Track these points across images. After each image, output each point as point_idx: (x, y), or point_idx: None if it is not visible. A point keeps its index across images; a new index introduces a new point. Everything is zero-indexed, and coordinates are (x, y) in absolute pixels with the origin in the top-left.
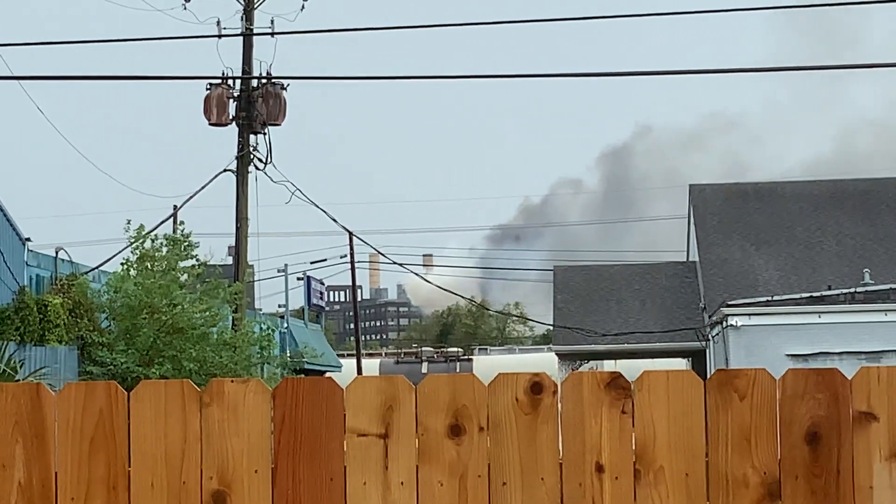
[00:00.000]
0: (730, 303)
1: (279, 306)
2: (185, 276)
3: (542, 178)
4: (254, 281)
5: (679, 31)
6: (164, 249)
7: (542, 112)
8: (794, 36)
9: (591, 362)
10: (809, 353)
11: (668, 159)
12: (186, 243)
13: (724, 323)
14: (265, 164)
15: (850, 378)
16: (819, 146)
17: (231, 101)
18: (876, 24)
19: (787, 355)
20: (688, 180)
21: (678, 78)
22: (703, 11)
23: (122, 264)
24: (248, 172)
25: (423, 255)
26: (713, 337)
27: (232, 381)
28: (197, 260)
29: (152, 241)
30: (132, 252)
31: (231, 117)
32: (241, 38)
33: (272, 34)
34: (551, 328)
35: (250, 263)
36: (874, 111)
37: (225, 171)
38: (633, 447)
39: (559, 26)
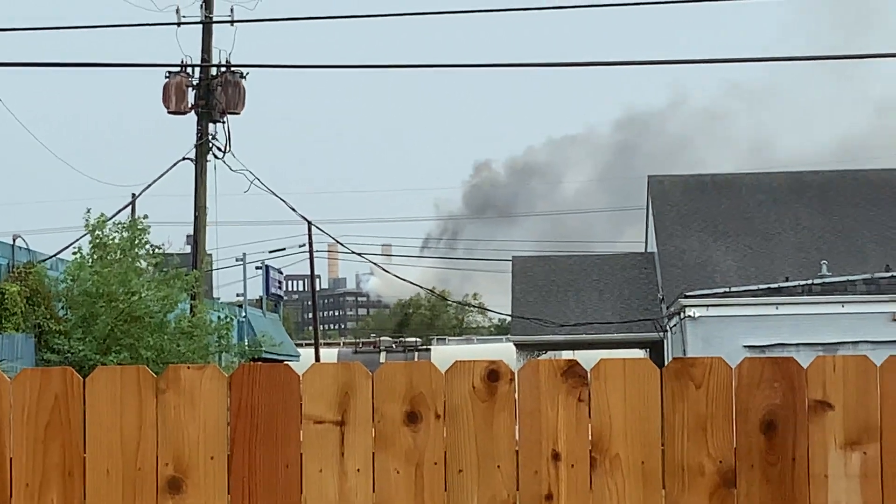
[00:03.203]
0: (687, 294)
1: (237, 295)
2: (144, 263)
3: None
4: (212, 270)
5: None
6: (116, 237)
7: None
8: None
9: (548, 353)
10: (767, 344)
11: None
12: (138, 229)
13: (682, 314)
14: (224, 152)
15: (806, 367)
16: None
17: (190, 89)
18: None
19: (745, 346)
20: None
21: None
22: None
23: (74, 253)
24: (206, 161)
25: (382, 245)
26: (671, 328)
27: (188, 368)
28: (151, 246)
29: (100, 229)
30: (90, 242)
31: (190, 105)
32: (200, 26)
33: (231, 23)
34: (509, 318)
35: (209, 252)
36: None
37: (184, 159)
38: (590, 435)
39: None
